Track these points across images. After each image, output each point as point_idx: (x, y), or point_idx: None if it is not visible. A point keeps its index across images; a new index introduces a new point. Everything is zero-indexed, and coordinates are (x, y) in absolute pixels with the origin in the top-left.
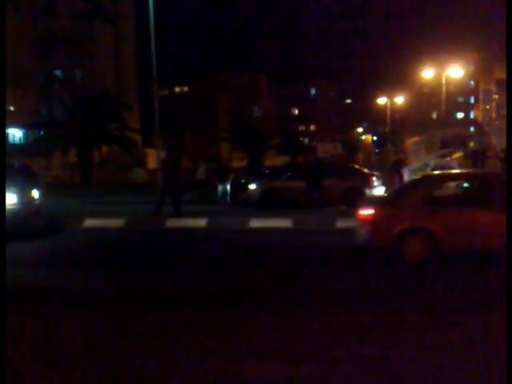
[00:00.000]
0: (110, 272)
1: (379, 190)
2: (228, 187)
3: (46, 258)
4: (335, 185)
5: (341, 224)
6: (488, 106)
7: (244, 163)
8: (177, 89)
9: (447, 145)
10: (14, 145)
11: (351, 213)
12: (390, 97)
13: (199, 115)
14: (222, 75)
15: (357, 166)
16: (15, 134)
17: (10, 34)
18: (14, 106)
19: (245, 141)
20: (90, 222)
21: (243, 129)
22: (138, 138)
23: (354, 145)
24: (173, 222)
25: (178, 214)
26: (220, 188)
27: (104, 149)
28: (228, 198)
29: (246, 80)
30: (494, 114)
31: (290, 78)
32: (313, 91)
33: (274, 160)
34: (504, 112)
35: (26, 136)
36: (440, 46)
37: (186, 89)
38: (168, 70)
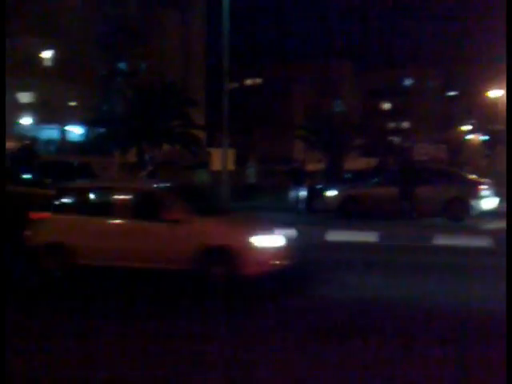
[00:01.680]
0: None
1: (489, 202)
2: (302, 193)
3: None
4: (434, 193)
5: (440, 241)
6: None
7: (321, 166)
8: (248, 81)
9: None
10: (73, 143)
11: (453, 227)
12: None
13: (271, 111)
14: (298, 64)
15: (461, 172)
16: (76, 131)
17: (73, 27)
18: (74, 102)
19: (322, 139)
20: None
21: (321, 126)
22: (202, 135)
23: (457, 146)
24: None
25: None
26: (293, 194)
27: (165, 148)
28: (302, 206)
29: (327, 69)
30: None
31: (380, 65)
32: (407, 81)
33: (357, 163)
34: None
35: (86, 133)
36: None
37: (258, 81)
38: (239, 60)
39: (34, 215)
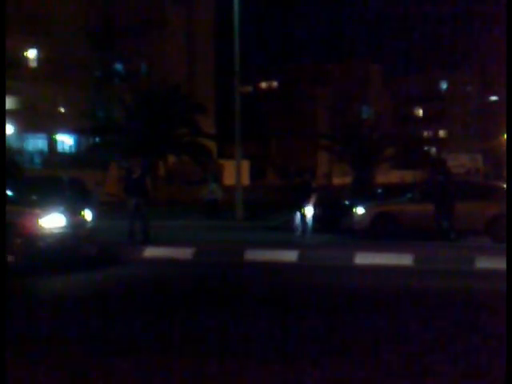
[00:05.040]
0: (170, 324)
1: None
2: (308, 210)
3: (91, 297)
4: (475, 210)
5: (482, 264)
6: None
7: (348, 179)
8: (263, 84)
9: None
10: (63, 154)
11: (495, 248)
12: None
13: (291, 117)
14: (321, 66)
15: (504, 186)
16: (65, 141)
17: (62, 23)
18: (64, 108)
19: (349, 150)
20: (152, 252)
21: (347, 134)
22: (213, 146)
23: (501, 157)
24: (254, 254)
25: (146, 241)
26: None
27: (171, 159)
28: (307, 226)
29: (353, 71)
30: None
31: (412, 68)
32: (443, 85)
33: (389, 176)
34: None
35: (77, 143)
36: None
37: (275, 84)
38: (252, 62)
39: None
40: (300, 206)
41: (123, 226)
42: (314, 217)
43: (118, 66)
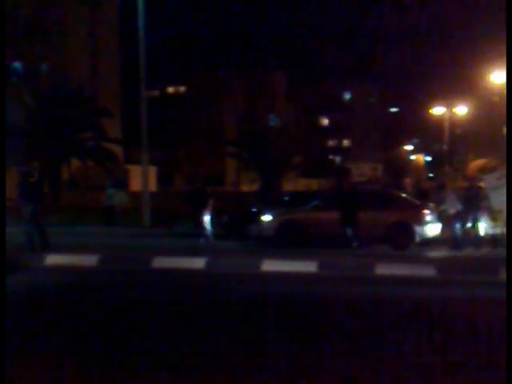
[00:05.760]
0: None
1: (433, 228)
2: (206, 217)
3: None
4: (375, 218)
5: (382, 270)
6: None
7: (256, 186)
8: (170, 89)
9: None
10: None
11: (395, 255)
12: (450, 107)
13: (199, 123)
14: (228, 73)
15: (404, 195)
16: None
17: None
18: None
19: (256, 157)
20: (54, 259)
21: (255, 142)
22: (119, 150)
23: (400, 167)
24: (162, 262)
25: (46, 247)
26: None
27: (75, 164)
28: (207, 233)
29: (260, 79)
30: None
31: (318, 78)
32: (347, 95)
33: (296, 184)
34: None
35: None
36: None
37: (182, 89)
38: (159, 66)
39: None
40: (197, 213)
41: (20, 232)
42: (213, 223)
43: (16, 65)
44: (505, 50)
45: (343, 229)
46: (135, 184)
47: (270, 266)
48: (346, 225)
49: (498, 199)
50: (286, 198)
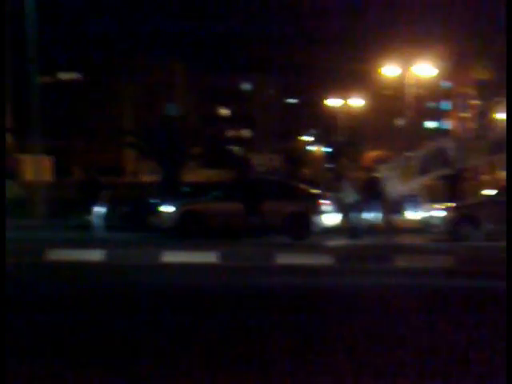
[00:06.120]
0: None
1: (331, 217)
2: (98, 209)
3: None
4: (273, 208)
5: (282, 259)
6: (464, 114)
7: (155, 177)
8: (65, 76)
9: (427, 167)
10: None
11: (294, 245)
12: (345, 98)
13: (96, 112)
14: (125, 59)
15: (301, 185)
16: None
17: None
18: None
19: (155, 147)
20: None
21: (152, 131)
22: (9, 139)
23: (299, 157)
24: (57, 254)
25: None
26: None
27: None
28: (97, 222)
29: (158, 67)
30: (471, 125)
31: (217, 67)
32: (247, 86)
33: (198, 175)
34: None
35: None
36: (406, 36)
37: (78, 76)
38: (53, 50)
39: None
40: (90, 204)
41: None
42: (110, 214)
43: None
44: (397, 45)
45: (249, 219)
46: (30, 174)
47: (170, 257)
48: (249, 214)
49: (392, 189)
50: (187, 189)
